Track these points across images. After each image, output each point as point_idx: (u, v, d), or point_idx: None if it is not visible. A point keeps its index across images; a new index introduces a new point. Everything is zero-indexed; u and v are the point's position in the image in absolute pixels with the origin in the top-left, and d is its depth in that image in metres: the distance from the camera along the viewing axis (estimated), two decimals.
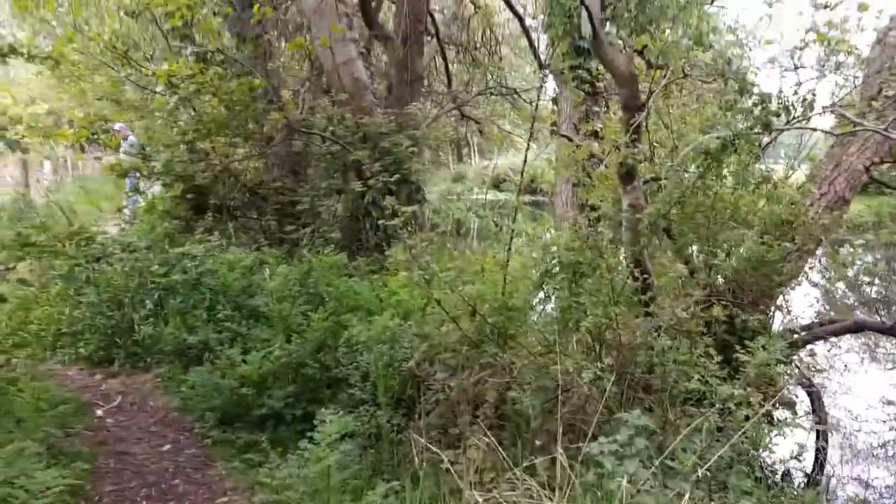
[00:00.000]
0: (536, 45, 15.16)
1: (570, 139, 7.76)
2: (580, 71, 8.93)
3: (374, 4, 9.70)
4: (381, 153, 8.46)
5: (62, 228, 8.67)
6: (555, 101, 10.37)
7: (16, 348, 7.72)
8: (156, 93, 9.20)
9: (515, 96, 17.17)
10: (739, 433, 3.56)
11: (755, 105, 4.06)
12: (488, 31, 17.73)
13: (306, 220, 8.81)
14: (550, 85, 17.41)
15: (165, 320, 7.04)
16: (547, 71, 15.52)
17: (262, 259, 7.55)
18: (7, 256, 5.29)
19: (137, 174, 9.37)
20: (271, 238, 8.90)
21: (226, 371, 5.66)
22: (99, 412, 6.12)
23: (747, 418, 3.76)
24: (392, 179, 7.96)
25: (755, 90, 4.15)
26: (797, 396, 6.00)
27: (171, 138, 9.09)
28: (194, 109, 9.15)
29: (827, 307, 9.41)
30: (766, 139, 4.72)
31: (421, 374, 4.78)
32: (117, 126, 10.69)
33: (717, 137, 3.97)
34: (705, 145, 4.01)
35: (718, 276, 5.86)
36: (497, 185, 36.63)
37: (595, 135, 8.65)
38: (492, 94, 16.37)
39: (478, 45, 17.83)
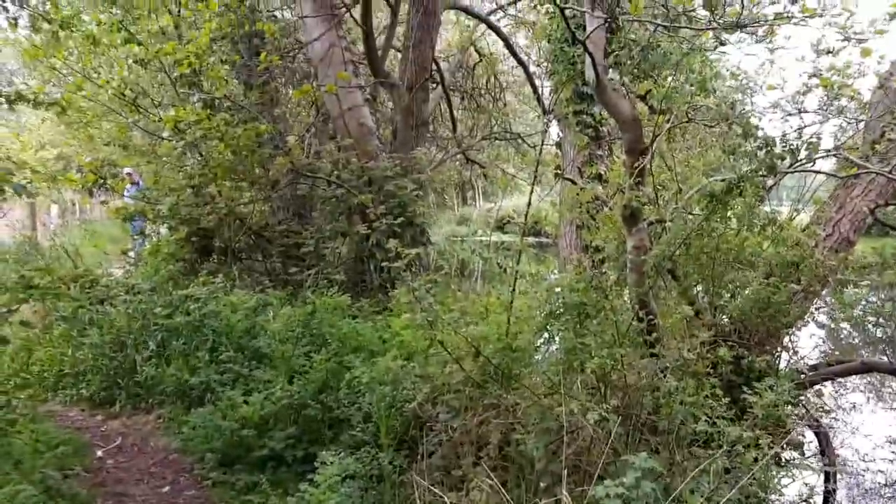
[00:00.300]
0: (540, 91, 15.39)
1: (574, 182, 7.82)
2: (584, 116, 9.05)
3: (379, 53, 9.88)
4: (385, 196, 8.52)
5: (67, 271, 8.73)
6: (558, 145, 10.49)
7: (17, 389, 7.71)
8: (163, 138, 9.33)
9: (519, 141, 17.38)
10: (749, 475, 3.50)
11: (759, 148, 4.10)
12: (492, 78, 18.02)
13: (311, 262, 8.83)
14: (554, 130, 17.68)
15: (168, 361, 7.01)
16: (550, 116, 15.76)
17: (266, 300, 7.55)
18: (9, 299, 5.28)
19: (144, 218, 9.47)
20: (276, 280, 8.91)
21: (227, 412, 5.62)
22: (99, 453, 6.06)
23: (756, 460, 3.70)
24: (397, 222, 8.00)
25: (759, 133, 4.19)
26: (805, 437, 5.92)
27: (178, 182, 9.19)
28: (201, 154, 9.26)
29: (832, 347, 9.33)
30: (770, 182, 4.75)
31: (423, 416, 4.73)
32: (126, 170, 10.81)
33: (722, 180, 3.99)
34: (710, 188, 4.03)
35: (724, 317, 5.84)
36: (501, 226, 36.85)
37: (599, 178, 8.72)
38: (496, 139, 16.57)
39: (482, 92, 18.10)
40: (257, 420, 5.36)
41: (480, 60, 17.55)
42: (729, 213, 4.86)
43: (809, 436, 6.00)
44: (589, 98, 9.00)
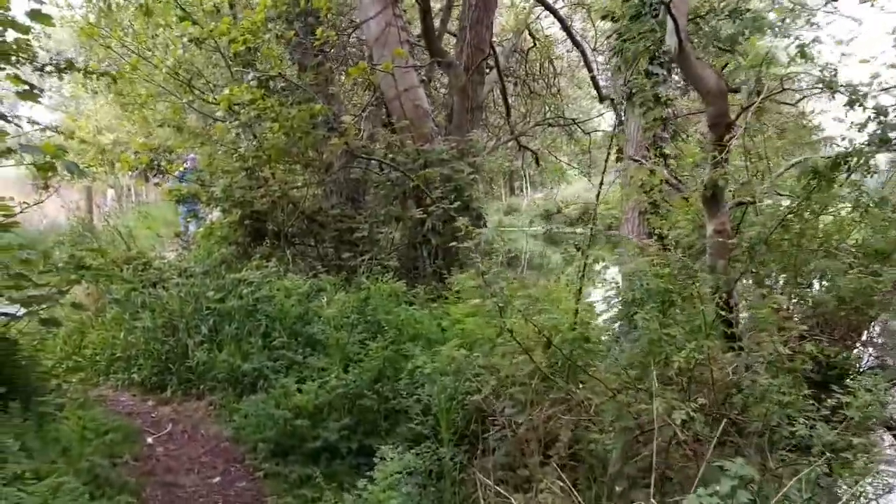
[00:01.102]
0: (597, 74, 14.90)
1: (641, 163, 7.40)
2: (650, 96, 8.61)
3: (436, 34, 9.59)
4: (441, 180, 8.23)
5: (120, 253, 8.68)
6: (620, 127, 10.04)
7: (69, 373, 7.68)
8: (216, 119, 9.20)
9: (573, 127, 16.91)
10: (855, 485, 3.12)
11: (871, 118, 3.67)
12: (547, 63, 17.56)
13: (364, 248, 8.60)
14: (610, 115, 17.12)
15: (220, 346, 6.86)
16: (609, 101, 15.25)
17: (320, 286, 7.35)
18: (60, 280, 5.15)
19: (197, 201, 9.37)
20: (329, 265, 8.71)
21: (280, 400, 5.42)
22: (149, 440, 5.94)
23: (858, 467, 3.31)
24: (453, 206, 7.70)
25: (871, 102, 3.75)
26: (883, 440, 5.45)
27: (231, 165, 9.05)
28: (254, 136, 9.11)
29: None
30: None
31: (487, 409, 4.44)
32: (190, 156, 10.73)
33: (827, 157, 3.57)
34: (814, 163, 3.61)
35: (806, 309, 5.41)
36: (549, 216, 36.33)
37: (664, 158, 8.28)
38: (550, 125, 16.12)
39: (535, 77, 17.65)
40: (311, 409, 5.14)
41: (534, 45, 17.11)
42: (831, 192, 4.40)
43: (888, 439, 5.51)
44: (655, 77, 8.55)
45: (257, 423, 5.42)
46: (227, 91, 7.19)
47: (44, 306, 5.38)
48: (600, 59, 16.19)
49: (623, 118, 8.99)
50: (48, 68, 4.75)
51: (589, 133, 16.39)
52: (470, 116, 10.03)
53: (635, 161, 7.95)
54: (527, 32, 16.86)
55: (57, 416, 4.94)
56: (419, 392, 4.94)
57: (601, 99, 14.94)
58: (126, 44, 8.79)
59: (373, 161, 9.06)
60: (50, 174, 5.49)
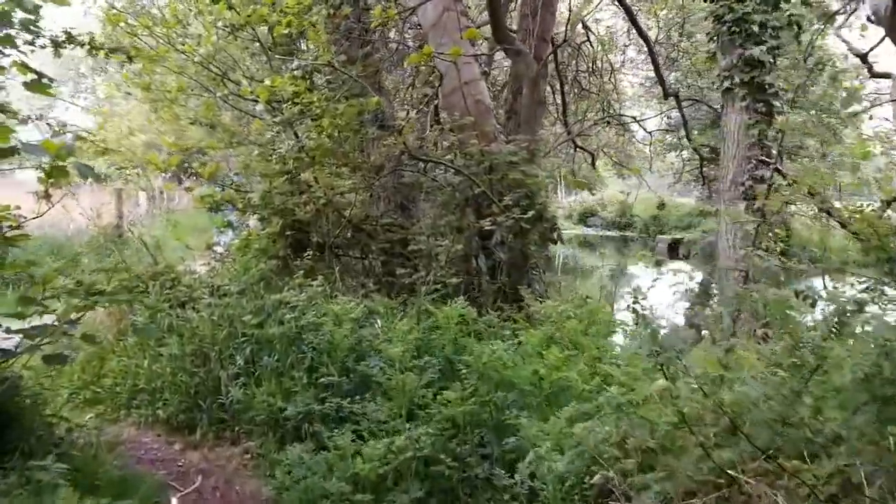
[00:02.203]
0: (662, 68, 13.68)
1: (774, 166, 6.20)
2: (753, 87, 7.40)
3: None
4: (510, 185, 7.13)
5: (145, 267, 7.72)
6: (715, 125, 8.82)
7: (87, 405, 6.74)
8: (254, 116, 8.20)
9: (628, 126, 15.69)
10: None
11: None
12: (603, 58, 16.34)
13: (420, 263, 7.53)
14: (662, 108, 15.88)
15: (258, 381, 5.85)
16: (674, 97, 14.00)
17: (372, 308, 6.28)
18: (64, 311, 4.17)
19: (233, 208, 8.38)
20: (380, 282, 7.66)
21: (334, 463, 4.35)
22: (174, 501, 4.93)
23: None
24: (527, 216, 6.59)
25: None
26: None
27: (270, 168, 8.05)
28: (296, 135, 8.09)
29: None
30: None
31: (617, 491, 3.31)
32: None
33: None
34: None
35: None
36: (584, 219, 35.08)
37: (779, 159, 7.09)
38: (609, 123, 14.93)
39: (589, 73, 16.44)
40: (374, 478, 4.06)
41: (587, 39, 15.88)
42: None
43: None
44: (760, 65, 7.34)
45: (305, 488, 4.36)
46: (267, 82, 6.18)
47: (46, 340, 4.41)
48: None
49: (723, 113, 7.78)
50: (42, 41, 3.75)
51: (651, 132, 15.17)
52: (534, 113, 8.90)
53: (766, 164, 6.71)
54: (581, 26, 15.68)
55: (60, 484, 3.95)
56: (514, 459, 3.84)
57: (666, 95, 13.69)
58: (154, 32, 7.83)
59: (427, 164, 7.99)
60: (57, 179, 4.55)
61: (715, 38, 7.69)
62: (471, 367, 4.48)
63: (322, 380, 5.42)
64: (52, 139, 4.64)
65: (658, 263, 26.81)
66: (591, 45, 16.11)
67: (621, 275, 22.58)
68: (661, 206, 30.56)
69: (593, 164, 16.59)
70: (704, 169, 14.89)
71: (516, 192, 7.00)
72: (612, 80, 16.71)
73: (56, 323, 4.46)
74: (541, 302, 7.13)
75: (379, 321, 6.13)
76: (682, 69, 15.08)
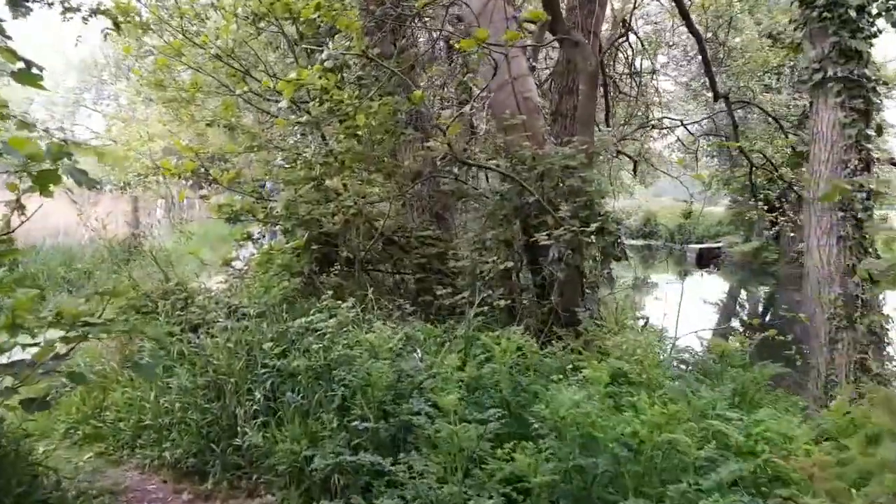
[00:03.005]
0: (711, 67, 12.70)
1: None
2: (848, 79, 6.44)
3: None
4: (567, 194, 6.23)
5: (156, 285, 6.92)
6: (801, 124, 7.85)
7: (86, 442, 5.96)
8: (275, 116, 7.39)
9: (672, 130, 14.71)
10: None
11: None
12: (643, 58, 15.39)
13: (464, 281, 6.66)
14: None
15: (280, 422, 4.99)
16: (724, 98, 13.02)
17: (412, 335, 5.42)
18: (42, 352, 3.36)
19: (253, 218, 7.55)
20: (414, 302, 6.79)
21: None
22: None
23: None
24: (590, 228, 5.69)
25: None
26: None
27: (294, 174, 7.24)
28: (323, 137, 7.27)
29: None
30: None
31: None
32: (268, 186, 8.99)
33: None
34: None
35: None
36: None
37: (867, 168, 6.13)
38: (655, 126, 13.97)
39: (630, 74, 15.51)
40: None
41: (625, 37, 14.93)
42: None
43: None
44: (857, 56, 6.39)
45: None
46: (292, 76, 5.37)
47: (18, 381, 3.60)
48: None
49: (812, 111, 6.81)
50: None
51: (698, 137, 14.18)
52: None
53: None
54: (622, 24, 14.75)
55: None
56: None
57: (716, 97, 12.70)
58: (169, 24, 7.05)
59: (469, 170, 7.12)
60: (46, 185, 3.77)
61: (802, 25, 6.74)
62: (546, 421, 3.57)
63: (355, 423, 4.55)
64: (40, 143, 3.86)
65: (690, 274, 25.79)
66: (630, 44, 15.19)
67: (648, 286, 21.60)
68: (688, 214, 29.41)
69: (635, 171, 15.61)
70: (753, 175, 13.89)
71: (575, 201, 6.10)
72: (654, 81, 15.77)
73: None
74: (599, 326, 6.24)
75: (419, 351, 5.25)
76: (733, 69, 14.08)
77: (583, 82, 6.89)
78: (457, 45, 5.22)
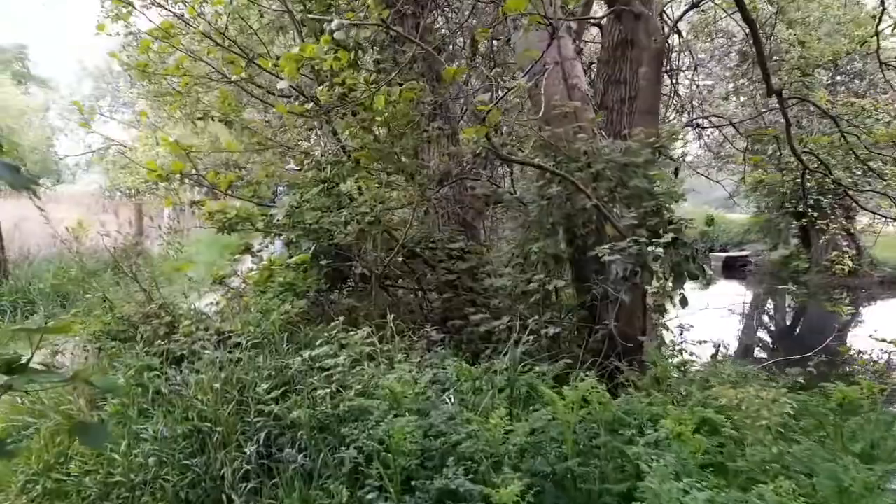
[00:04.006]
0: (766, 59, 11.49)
1: None
2: None
3: None
4: (629, 197, 5.10)
5: (136, 304, 5.87)
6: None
7: (47, 499, 4.91)
8: (270, 105, 6.34)
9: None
10: None
11: None
12: (683, 52, 14.20)
13: (499, 303, 5.54)
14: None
15: (275, 487, 3.90)
16: (776, 94, 11.79)
17: (443, 377, 4.31)
18: None
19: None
20: (441, 327, 5.68)
21: None
22: None
23: None
24: (663, 241, 4.55)
25: None
26: None
27: (300, 175, 6.18)
28: (334, 132, 6.21)
29: None
30: None
31: None
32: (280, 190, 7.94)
33: None
34: None
35: None
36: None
37: None
38: (700, 126, 12.78)
39: (668, 71, 14.32)
40: None
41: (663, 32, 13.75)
42: None
43: None
44: None
45: None
46: (296, 50, 4.31)
47: None
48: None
49: None
50: None
51: (748, 136, 12.93)
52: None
53: None
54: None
55: None
56: None
57: (770, 92, 11.45)
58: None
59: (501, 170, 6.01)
60: None
61: None
62: None
63: (370, 497, 3.44)
64: None
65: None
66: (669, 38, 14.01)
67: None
68: (710, 221, 27.99)
69: (676, 173, 14.36)
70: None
71: (642, 206, 4.96)
72: (695, 77, 14.56)
73: None
74: (668, 358, 5.13)
75: (451, 397, 4.14)
76: (787, 63, 12.84)
77: (646, 63, 5.74)
78: (503, 6, 4.11)
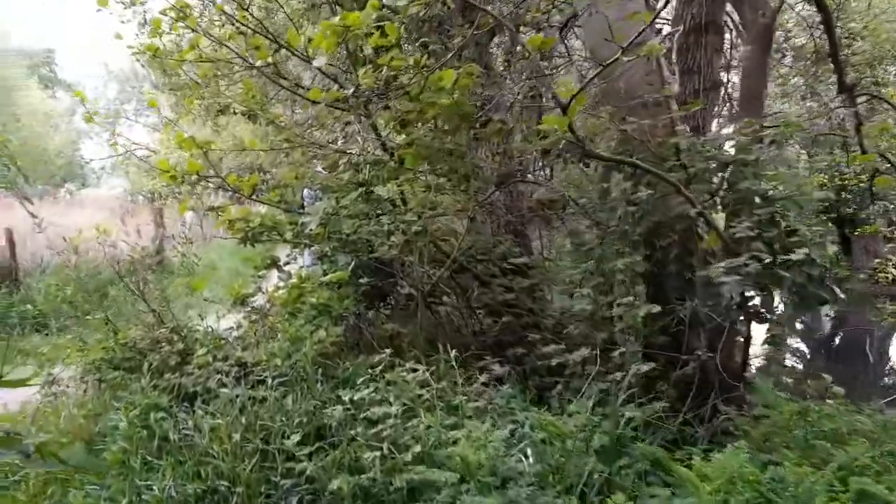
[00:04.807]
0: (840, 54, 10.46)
1: None
2: None
3: None
4: (738, 203, 4.17)
5: (145, 327, 5.04)
6: None
7: None
8: (306, 99, 5.49)
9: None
10: None
11: None
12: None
13: (573, 329, 4.63)
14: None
15: None
16: (848, 92, 10.76)
17: (522, 434, 3.40)
18: None
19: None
20: (500, 359, 4.78)
21: None
22: None
23: None
24: (795, 257, 3.62)
25: None
26: None
27: (335, 178, 5.32)
28: (374, 128, 5.35)
29: None
30: None
31: None
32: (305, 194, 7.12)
33: None
34: None
35: None
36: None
37: None
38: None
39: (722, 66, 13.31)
40: None
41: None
42: None
43: None
44: None
45: None
46: (335, 20, 3.47)
47: None
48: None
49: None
50: None
51: (815, 137, 11.92)
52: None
53: None
54: None
55: None
56: None
57: (842, 88, 10.42)
58: None
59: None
60: None
61: None
62: None
63: None
64: None
65: None
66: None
67: None
68: None
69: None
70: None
71: (755, 212, 4.03)
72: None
73: None
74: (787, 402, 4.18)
75: (530, 459, 3.23)
76: (861, 56, 11.76)
77: (750, 41, 4.81)
78: None
